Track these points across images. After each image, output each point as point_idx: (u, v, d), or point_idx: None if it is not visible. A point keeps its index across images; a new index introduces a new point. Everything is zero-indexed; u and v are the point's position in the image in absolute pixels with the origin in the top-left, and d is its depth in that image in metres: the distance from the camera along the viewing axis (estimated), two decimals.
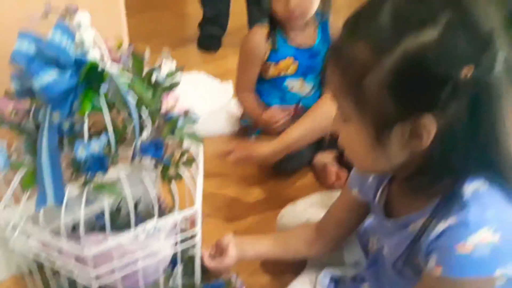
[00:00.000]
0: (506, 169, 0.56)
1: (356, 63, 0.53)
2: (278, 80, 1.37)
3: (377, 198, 0.72)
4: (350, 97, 0.55)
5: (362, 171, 0.75)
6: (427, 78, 0.50)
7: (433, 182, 0.58)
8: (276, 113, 1.30)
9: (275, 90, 1.39)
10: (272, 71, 1.35)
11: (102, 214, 0.86)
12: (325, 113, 1.18)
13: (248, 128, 1.46)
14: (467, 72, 0.49)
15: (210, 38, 2.06)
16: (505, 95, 0.52)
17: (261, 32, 1.32)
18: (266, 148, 1.14)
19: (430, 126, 0.52)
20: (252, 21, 1.99)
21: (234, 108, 1.51)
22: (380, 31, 0.51)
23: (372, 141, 0.56)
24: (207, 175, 0.82)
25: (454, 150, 0.54)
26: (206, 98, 1.56)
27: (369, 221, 0.84)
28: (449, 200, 0.57)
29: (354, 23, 0.55)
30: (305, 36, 1.32)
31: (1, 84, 0.67)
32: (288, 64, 1.34)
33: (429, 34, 0.49)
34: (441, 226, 0.56)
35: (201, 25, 2.11)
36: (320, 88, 1.40)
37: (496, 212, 0.54)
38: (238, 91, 1.41)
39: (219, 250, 0.88)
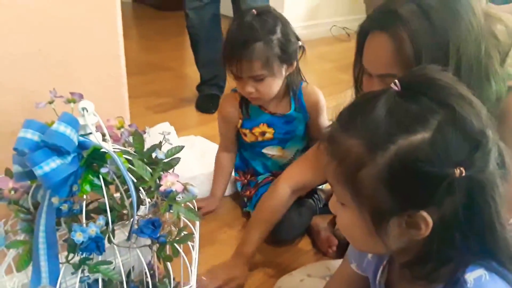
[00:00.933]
0: (504, 258, 0.57)
1: (351, 157, 0.54)
2: (257, 147, 1.37)
3: (378, 278, 0.72)
4: (346, 187, 0.57)
5: (359, 251, 0.76)
6: (420, 178, 0.51)
7: (433, 270, 0.58)
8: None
9: (257, 157, 1.40)
10: (249, 136, 1.35)
11: (95, 281, 0.84)
12: (269, 209, 1.17)
13: (241, 193, 1.46)
14: (460, 172, 0.50)
15: (207, 100, 2.11)
16: (499, 188, 0.54)
17: (232, 100, 1.33)
18: (243, 273, 1.11)
19: (427, 220, 0.53)
20: None
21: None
22: (374, 128, 0.53)
23: (369, 228, 0.57)
24: (203, 240, 0.81)
25: (452, 240, 0.55)
26: (203, 160, 1.57)
27: None
28: (453, 287, 0.57)
29: (349, 118, 0.57)
30: (278, 106, 1.31)
31: (2, 162, 0.68)
32: (263, 130, 1.33)
33: (421, 135, 0.51)
34: None
35: (199, 87, 2.17)
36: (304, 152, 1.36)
37: None
38: (218, 149, 1.44)
39: None
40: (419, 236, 0.55)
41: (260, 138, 1.34)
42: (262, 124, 1.32)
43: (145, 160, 0.75)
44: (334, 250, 1.24)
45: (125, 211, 0.75)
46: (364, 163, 0.53)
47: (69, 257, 0.64)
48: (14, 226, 0.68)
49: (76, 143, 0.59)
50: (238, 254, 1.15)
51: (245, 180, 1.44)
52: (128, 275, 0.94)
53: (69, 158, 0.58)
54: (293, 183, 1.17)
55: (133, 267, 0.97)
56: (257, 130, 1.33)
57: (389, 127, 0.53)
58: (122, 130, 0.76)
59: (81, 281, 0.65)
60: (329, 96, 1.48)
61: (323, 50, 3.05)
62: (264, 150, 1.38)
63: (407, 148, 0.51)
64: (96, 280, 0.84)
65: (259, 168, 1.42)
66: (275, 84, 1.22)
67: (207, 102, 2.10)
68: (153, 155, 0.76)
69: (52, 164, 0.54)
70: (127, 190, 0.71)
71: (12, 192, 0.66)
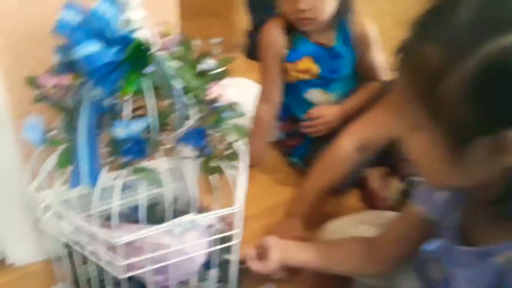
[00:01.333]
0: None
1: (428, 66, 0.46)
2: (299, 90, 1.28)
3: (449, 221, 0.64)
4: (421, 105, 0.48)
5: (433, 187, 0.67)
6: None
7: None
8: None
9: (298, 103, 1.30)
10: (292, 74, 1.24)
11: (137, 208, 0.83)
12: (328, 165, 1.10)
13: (284, 141, 1.39)
14: None
15: (257, 46, 2.04)
16: None
17: (277, 24, 1.23)
18: (301, 233, 1.05)
19: None
20: None
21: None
22: (456, 30, 0.45)
23: (446, 154, 0.49)
24: (249, 180, 0.76)
25: None
26: (249, 103, 1.52)
27: (430, 245, 0.75)
28: None
29: (426, 24, 0.48)
30: (324, 37, 1.21)
31: (45, 62, 0.65)
32: (307, 66, 1.23)
33: None
34: None
35: (249, 33, 2.10)
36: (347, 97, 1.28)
37: None
38: (258, 100, 1.29)
39: (261, 253, 0.81)
40: (505, 164, 0.46)
41: (301, 76, 1.25)
42: (307, 56, 1.22)
43: (192, 70, 0.70)
44: (383, 206, 1.16)
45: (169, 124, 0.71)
46: (444, 73, 0.45)
47: (111, 159, 0.61)
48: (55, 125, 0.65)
49: (118, 31, 0.54)
50: (292, 215, 1.09)
51: (289, 129, 1.38)
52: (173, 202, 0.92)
53: (112, 48, 0.54)
54: (356, 138, 1.08)
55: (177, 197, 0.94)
56: (301, 64, 1.23)
57: (475, 28, 0.44)
58: (169, 37, 0.71)
59: (124, 187, 0.61)
60: (386, 51, 1.37)
61: (382, 5, 2.89)
62: (306, 95, 1.29)
63: (497, 51, 0.43)
64: (136, 207, 0.82)
65: (300, 115, 1.34)
66: (330, 1, 1.13)
67: (256, 48, 2.03)
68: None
69: (92, 48, 0.51)
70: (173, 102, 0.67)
71: (54, 90, 0.63)
